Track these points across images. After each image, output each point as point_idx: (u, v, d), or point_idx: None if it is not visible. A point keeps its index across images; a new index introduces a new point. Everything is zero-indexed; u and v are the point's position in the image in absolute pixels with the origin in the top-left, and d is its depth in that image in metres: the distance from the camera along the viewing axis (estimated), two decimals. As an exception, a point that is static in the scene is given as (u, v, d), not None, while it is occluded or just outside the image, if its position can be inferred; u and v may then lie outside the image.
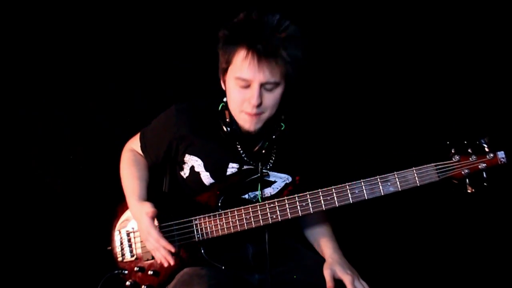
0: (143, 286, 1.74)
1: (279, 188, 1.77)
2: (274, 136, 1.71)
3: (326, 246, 1.76)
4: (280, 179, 1.77)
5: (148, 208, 1.62)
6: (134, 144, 1.92)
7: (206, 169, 1.75)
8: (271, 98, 1.61)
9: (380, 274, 2.24)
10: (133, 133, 1.93)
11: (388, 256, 2.36)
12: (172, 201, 1.80)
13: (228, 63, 1.61)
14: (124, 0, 2.37)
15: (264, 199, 1.72)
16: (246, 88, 1.59)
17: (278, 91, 1.61)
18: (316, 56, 2.18)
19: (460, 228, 2.28)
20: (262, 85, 1.57)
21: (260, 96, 1.58)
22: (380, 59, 2.33)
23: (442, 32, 2.25)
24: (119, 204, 1.87)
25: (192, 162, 1.77)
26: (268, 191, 1.76)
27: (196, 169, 1.77)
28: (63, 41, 2.38)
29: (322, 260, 1.72)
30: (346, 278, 1.59)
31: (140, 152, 1.89)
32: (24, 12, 2.34)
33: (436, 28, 2.25)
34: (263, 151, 1.72)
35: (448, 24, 2.24)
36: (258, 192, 1.73)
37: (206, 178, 1.76)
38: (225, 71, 1.65)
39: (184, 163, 1.79)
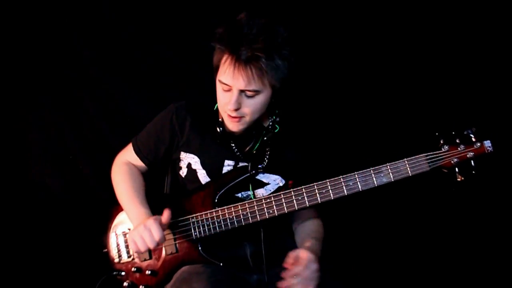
0: (141, 286, 1.74)
1: (272, 190, 1.79)
2: (265, 138, 1.75)
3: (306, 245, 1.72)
4: (273, 182, 1.79)
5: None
6: (125, 155, 1.90)
7: (203, 167, 1.78)
8: (251, 104, 1.65)
9: (374, 263, 2.28)
10: (132, 133, 1.93)
11: (383, 246, 2.38)
12: (170, 201, 1.80)
13: (218, 64, 1.66)
14: (124, 4, 2.41)
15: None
16: (228, 92, 1.64)
17: (259, 98, 1.64)
18: (305, 54, 2.22)
19: (450, 215, 2.33)
20: (242, 91, 1.62)
21: (238, 101, 1.63)
22: (369, 53, 2.37)
23: (429, 25, 2.30)
24: (113, 206, 1.88)
25: (189, 159, 1.80)
26: (261, 192, 1.78)
27: (193, 167, 1.79)
28: (62, 42, 2.39)
29: (322, 263, 1.70)
30: (303, 253, 1.56)
31: (133, 161, 1.87)
32: (24, 13, 2.34)
33: (423, 20, 2.30)
34: (254, 152, 1.76)
35: (435, 16, 2.29)
36: (250, 192, 1.76)
37: (203, 176, 1.78)
38: (216, 70, 1.69)
39: (180, 160, 1.82)
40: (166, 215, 1.61)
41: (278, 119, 1.82)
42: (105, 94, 2.45)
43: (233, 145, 1.79)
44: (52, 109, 2.43)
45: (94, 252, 1.87)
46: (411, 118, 2.29)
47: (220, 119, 1.76)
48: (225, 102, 1.66)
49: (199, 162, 1.78)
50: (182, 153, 1.81)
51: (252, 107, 1.65)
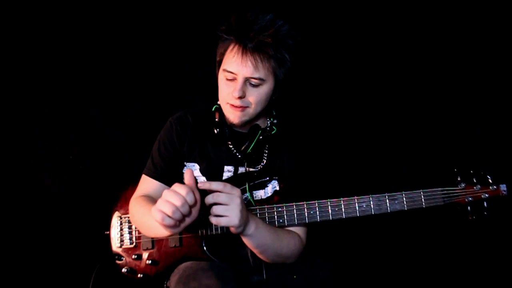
0: (139, 275, 1.74)
1: (270, 194, 1.78)
2: (261, 137, 1.75)
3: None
4: (271, 185, 1.79)
5: None
6: (138, 191, 1.81)
7: (203, 173, 1.77)
8: (255, 94, 1.65)
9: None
10: (132, 133, 1.92)
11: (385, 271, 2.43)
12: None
13: (222, 56, 1.67)
14: (125, 2, 2.39)
15: (255, 202, 1.75)
16: (232, 81, 1.64)
17: (263, 88, 1.65)
18: (318, 64, 2.24)
19: (457, 254, 2.37)
20: (246, 80, 1.62)
21: (243, 89, 1.63)
22: (392, 77, 2.39)
23: (459, 55, 2.33)
24: (120, 190, 1.87)
25: (189, 167, 1.79)
26: (259, 194, 1.78)
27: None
28: (63, 41, 2.37)
29: (323, 264, 1.74)
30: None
31: (149, 190, 1.77)
32: (24, 12, 2.32)
33: (453, 52, 2.33)
34: (249, 151, 1.74)
35: (467, 48, 2.32)
36: (247, 194, 1.74)
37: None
38: (219, 64, 1.70)
39: (184, 167, 1.80)
40: (187, 174, 1.39)
41: (275, 121, 1.83)
42: (105, 94, 2.44)
43: (231, 146, 1.79)
44: (52, 110, 2.41)
45: (95, 235, 1.86)
46: (431, 150, 2.32)
47: (216, 119, 1.75)
48: (228, 92, 1.65)
49: (198, 169, 1.77)
50: (184, 162, 1.79)
51: (256, 96, 1.65)
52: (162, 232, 1.45)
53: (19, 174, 2.36)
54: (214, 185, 1.43)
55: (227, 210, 1.42)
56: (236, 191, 1.44)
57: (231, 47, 1.63)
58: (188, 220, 1.40)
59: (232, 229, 1.48)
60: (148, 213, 1.54)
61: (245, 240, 1.57)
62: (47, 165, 2.39)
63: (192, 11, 2.39)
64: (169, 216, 1.33)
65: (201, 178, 1.77)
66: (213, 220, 1.44)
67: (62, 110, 2.40)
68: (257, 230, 1.54)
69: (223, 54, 1.66)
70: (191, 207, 1.38)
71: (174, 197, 1.33)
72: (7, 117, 2.35)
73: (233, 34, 1.61)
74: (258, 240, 1.56)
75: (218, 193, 1.43)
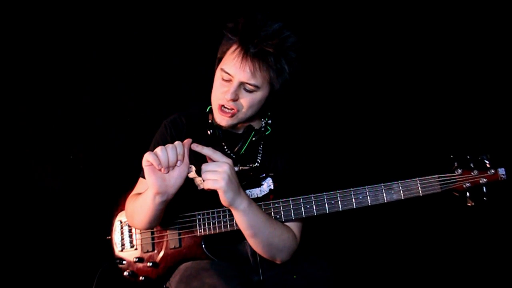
0: (141, 277, 1.75)
1: (266, 192, 1.76)
2: (254, 138, 1.75)
3: None
4: (266, 183, 1.78)
5: None
6: (132, 193, 1.83)
7: (198, 175, 1.77)
8: (248, 99, 1.64)
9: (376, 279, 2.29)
10: (131, 133, 1.93)
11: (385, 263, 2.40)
12: (177, 196, 1.79)
13: (223, 54, 1.67)
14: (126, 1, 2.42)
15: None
16: (227, 82, 1.64)
17: (257, 95, 1.65)
18: (313, 60, 2.23)
19: (458, 240, 2.34)
20: (241, 84, 1.62)
21: (236, 92, 1.62)
22: (386, 66, 2.38)
23: (452, 43, 2.32)
24: (122, 195, 1.88)
25: None
26: (255, 193, 1.76)
27: (190, 176, 1.77)
28: (63, 41, 2.40)
29: (321, 263, 1.74)
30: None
31: (142, 189, 1.76)
32: (24, 12, 2.35)
33: (446, 40, 2.32)
34: (242, 152, 1.75)
35: (461, 37, 2.31)
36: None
37: (200, 182, 1.77)
38: (219, 61, 1.69)
39: None
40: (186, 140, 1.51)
41: (270, 121, 1.82)
42: (106, 94, 2.46)
43: (225, 147, 1.79)
44: (52, 109, 2.43)
45: (98, 243, 1.88)
46: (427, 138, 2.30)
47: (209, 121, 1.76)
48: (222, 92, 1.65)
49: (194, 171, 1.76)
50: None
51: (248, 102, 1.65)
52: (151, 199, 1.51)
53: (19, 174, 2.39)
54: (205, 150, 1.51)
55: (214, 173, 1.48)
56: (226, 159, 1.49)
57: (233, 48, 1.62)
58: (175, 172, 1.50)
59: (221, 196, 1.48)
60: (141, 196, 1.60)
61: (237, 216, 1.55)
62: (47, 165, 2.42)
63: (193, 12, 2.41)
64: (154, 157, 1.43)
65: (199, 178, 1.77)
66: (204, 184, 1.50)
67: (62, 110, 2.43)
68: (250, 208, 1.53)
69: (224, 53, 1.66)
70: (176, 158, 1.48)
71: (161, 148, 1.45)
72: (7, 117, 2.38)
73: (238, 36, 1.61)
74: (251, 219, 1.55)
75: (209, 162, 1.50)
